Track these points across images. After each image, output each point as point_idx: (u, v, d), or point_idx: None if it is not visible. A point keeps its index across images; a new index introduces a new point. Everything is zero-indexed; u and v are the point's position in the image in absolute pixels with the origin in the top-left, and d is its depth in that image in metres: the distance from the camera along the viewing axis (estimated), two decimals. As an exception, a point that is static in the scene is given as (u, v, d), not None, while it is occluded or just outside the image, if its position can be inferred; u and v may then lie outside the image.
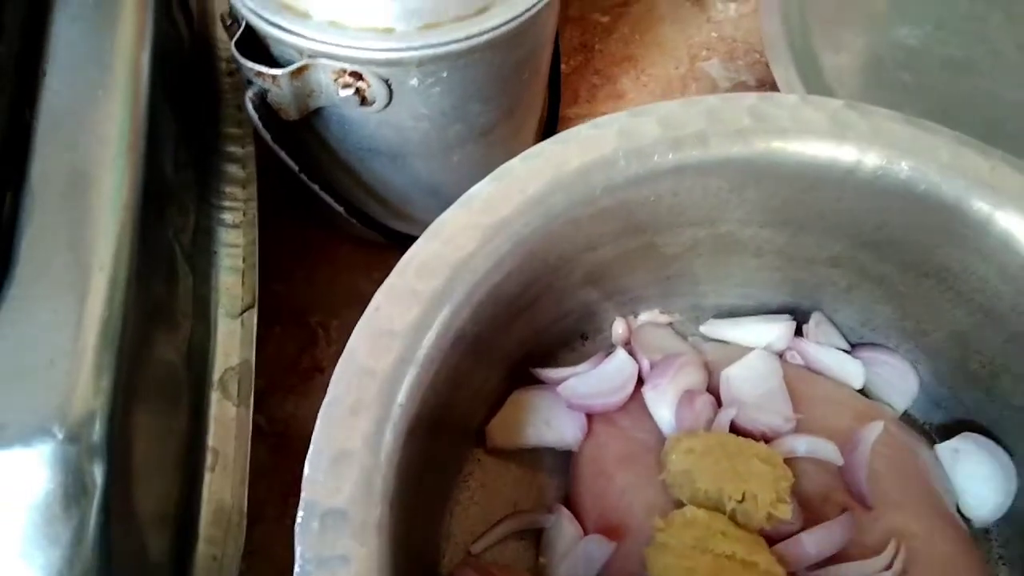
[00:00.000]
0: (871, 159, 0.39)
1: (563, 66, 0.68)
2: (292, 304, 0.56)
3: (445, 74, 0.43)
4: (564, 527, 0.43)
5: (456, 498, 0.45)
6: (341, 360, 0.33)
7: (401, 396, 0.32)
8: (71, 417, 0.27)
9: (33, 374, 0.27)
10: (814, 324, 0.48)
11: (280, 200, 0.54)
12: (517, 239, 0.37)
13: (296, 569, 0.28)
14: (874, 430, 0.43)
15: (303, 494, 0.30)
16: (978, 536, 0.46)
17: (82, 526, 0.26)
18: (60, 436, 0.26)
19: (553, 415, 0.46)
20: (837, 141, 0.39)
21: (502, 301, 0.39)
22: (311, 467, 0.30)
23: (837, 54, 0.58)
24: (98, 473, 0.27)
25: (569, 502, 0.45)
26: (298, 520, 0.29)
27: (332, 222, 0.55)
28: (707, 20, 0.74)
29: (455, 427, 0.44)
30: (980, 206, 0.38)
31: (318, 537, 0.29)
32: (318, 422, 0.31)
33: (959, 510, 0.45)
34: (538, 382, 0.47)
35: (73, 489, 0.26)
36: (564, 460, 0.46)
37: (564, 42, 0.70)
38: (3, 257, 0.29)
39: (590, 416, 0.45)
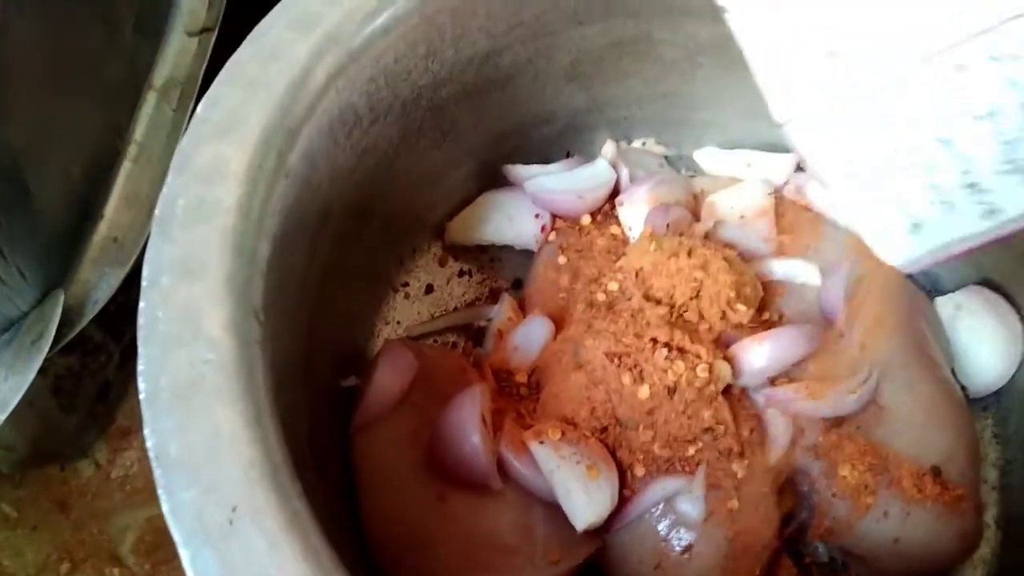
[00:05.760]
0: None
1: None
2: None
3: None
4: (505, 312, 0.39)
5: (401, 287, 0.43)
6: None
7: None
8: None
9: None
10: (818, 158, 0.44)
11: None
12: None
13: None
14: (859, 260, 0.38)
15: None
16: (975, 412, 0.40)
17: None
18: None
19: (517, 212, 0.42)
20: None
21: (464, 51, 0.37)
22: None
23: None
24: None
25: (522, 305, 0.42)
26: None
27: None
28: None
29: (403, 213, 0.41)
30: None
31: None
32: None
33: (956, 377, 0.40)
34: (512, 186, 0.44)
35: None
36: (525, 267, 0.43)
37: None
38: None
39: (555, 218, 0.42)
